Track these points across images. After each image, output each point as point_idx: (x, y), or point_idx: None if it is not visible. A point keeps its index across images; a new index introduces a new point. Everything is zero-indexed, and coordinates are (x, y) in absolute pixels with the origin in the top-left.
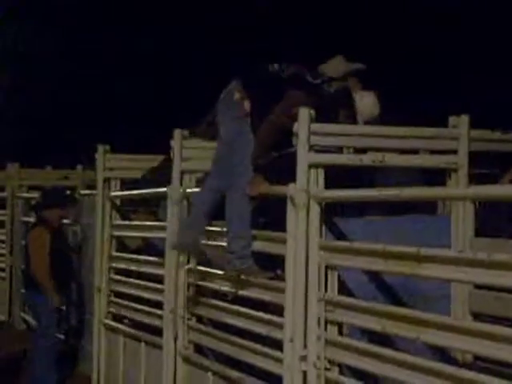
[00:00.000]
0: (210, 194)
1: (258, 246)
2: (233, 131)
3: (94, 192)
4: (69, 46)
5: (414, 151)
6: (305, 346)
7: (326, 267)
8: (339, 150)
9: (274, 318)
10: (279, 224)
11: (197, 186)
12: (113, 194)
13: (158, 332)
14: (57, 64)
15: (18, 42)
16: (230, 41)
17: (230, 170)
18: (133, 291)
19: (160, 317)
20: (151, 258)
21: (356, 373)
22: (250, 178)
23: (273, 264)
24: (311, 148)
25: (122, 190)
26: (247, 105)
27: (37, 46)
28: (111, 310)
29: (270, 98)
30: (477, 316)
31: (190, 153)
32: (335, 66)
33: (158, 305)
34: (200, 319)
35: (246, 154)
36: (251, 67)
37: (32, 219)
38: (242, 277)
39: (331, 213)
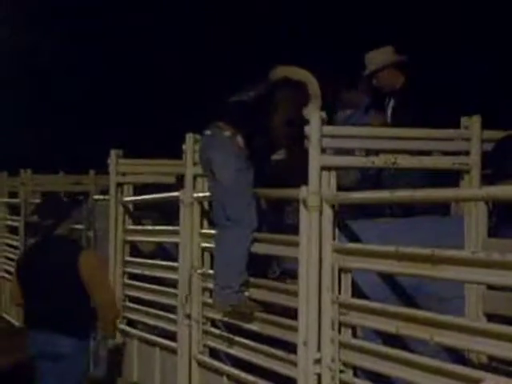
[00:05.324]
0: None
1: (270, 249)
2: (233, 169)
3: (106, 197)
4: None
5: (426, 153)
6: (319, 349)
7: (340, 269)
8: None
9: (288, 321)
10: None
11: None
12: (126, 199)
13: (172, 337)
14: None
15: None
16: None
17: (235, 206)
18: (147, 296)
19: (174, 321)
20: (165, 263)
21: (370, 375)
22: (250, 214)
23: (278, 264)
24: (323, 150)
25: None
26: (240, 140)
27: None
28: (126, 315)
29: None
30: (491, 317)
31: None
32: (382, 55)
33: (172, 309)
34: (214, 323)
35: (247, 190)
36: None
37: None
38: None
39: (344, 215)
